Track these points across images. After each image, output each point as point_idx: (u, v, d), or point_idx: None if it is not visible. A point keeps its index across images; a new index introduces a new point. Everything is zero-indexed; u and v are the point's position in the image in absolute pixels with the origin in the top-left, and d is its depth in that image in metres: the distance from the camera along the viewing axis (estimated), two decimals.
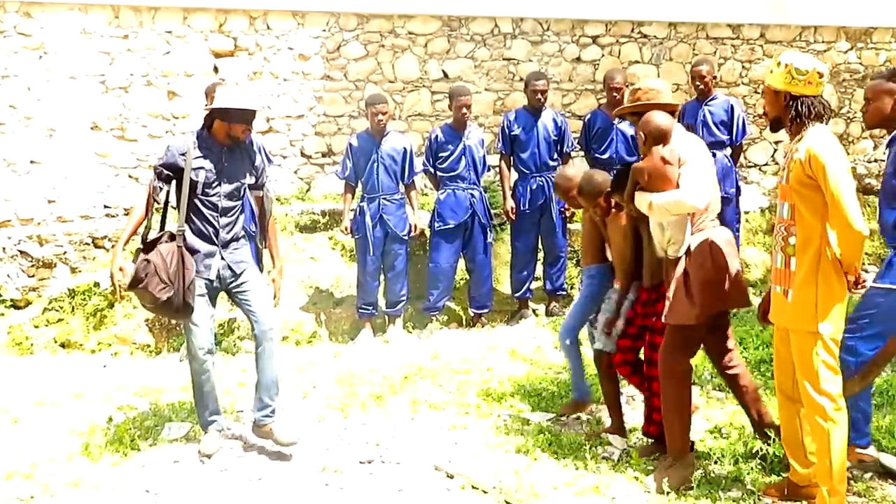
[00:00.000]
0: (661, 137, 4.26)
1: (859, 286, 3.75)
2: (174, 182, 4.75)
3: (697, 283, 4.13)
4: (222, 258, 4.76)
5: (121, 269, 4.52)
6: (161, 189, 4.72)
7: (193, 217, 4.73)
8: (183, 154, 4.69)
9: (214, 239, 4.75)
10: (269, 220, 5.12)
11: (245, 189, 4.88)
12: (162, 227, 4.78)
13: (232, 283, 4.81)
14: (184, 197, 4.69)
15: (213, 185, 4.72)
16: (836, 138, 3.70)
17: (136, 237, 4.79)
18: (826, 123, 3.75)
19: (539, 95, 7.44)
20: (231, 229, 4.81)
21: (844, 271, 3.66)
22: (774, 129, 3.88)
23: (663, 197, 4.11)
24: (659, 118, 4.29)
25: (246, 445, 4.90)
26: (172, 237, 4.71)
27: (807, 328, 3.68)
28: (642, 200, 4.20)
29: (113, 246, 7.85)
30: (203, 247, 4.72)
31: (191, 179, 4.67)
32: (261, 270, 5.21)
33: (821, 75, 3.69)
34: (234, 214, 4.82)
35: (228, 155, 4.77)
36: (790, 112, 3.71)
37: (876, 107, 4.25)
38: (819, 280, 3.65)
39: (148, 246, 4.64)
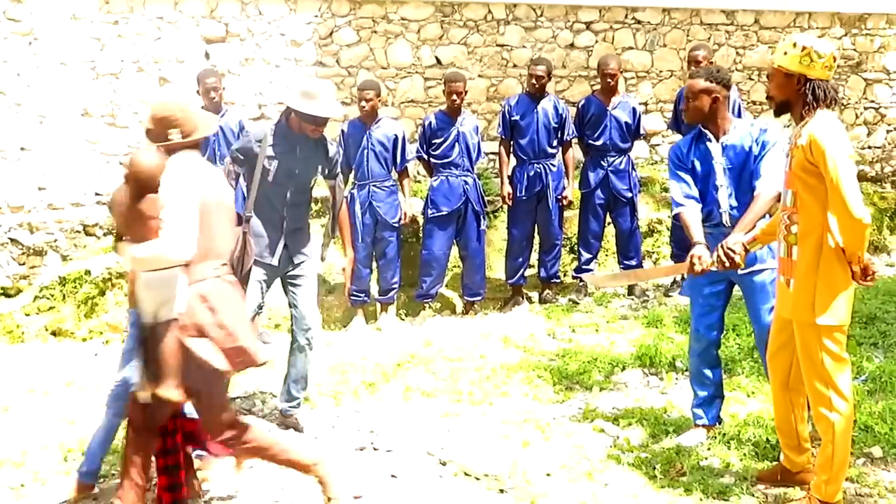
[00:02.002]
0: (149, 184, 3.69)
1: (869, 278, 3.62)
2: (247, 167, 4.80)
3: (195, 348, 3.54)
4: (286, 246, 4.81)
5: None
6: (237, 174, 4.79)
7: (262, 204, 4.76)
8: (259, 141, 4.72)
9: (280, 227, 4.79)
10: (340, 209, 5.13)
11: (314, 181, 4.90)
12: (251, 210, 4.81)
13: (288, 272, 4.87)
14: (255, 184, 4.71)
15: (284, 175, 4.73)
16: (840, 124, 3.63)
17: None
18: (834, 109, 3.68)
19: (534, 80, 7.39)
20: (297, 220, 4.85)
21: (848, 261, 3.57)
22: (779, 114, 3.81)
23: (143, 250, 3.51)
24: (146, 160, 3.74)
25: None
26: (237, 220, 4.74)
27: (807, 320, 3.61)
28: (125, 252, 3.64)
29: (106, 233, 7.86)
30: (268, 234, 4.77)
31: (263, 167, 4.68)
32: (322, 259, 5.31)
33: (835, 60, 3.66)
34: (301, 205, 4.87)
35: (303, 146, 4.77)
36: (806, 96, 3.62)
37: (695, 105, 4.45)
38: (820, 270, 3.58)
39: None
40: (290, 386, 4.94)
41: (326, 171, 4.96)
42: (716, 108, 4.45)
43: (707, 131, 4.52)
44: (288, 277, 4.90)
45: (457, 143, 7.26)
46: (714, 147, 4.49)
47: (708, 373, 4.63)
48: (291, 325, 4.96)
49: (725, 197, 4.47)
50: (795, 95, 3.67)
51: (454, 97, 7.19)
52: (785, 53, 3.66)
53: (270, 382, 5.56)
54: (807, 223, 3.61)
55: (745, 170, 4.41)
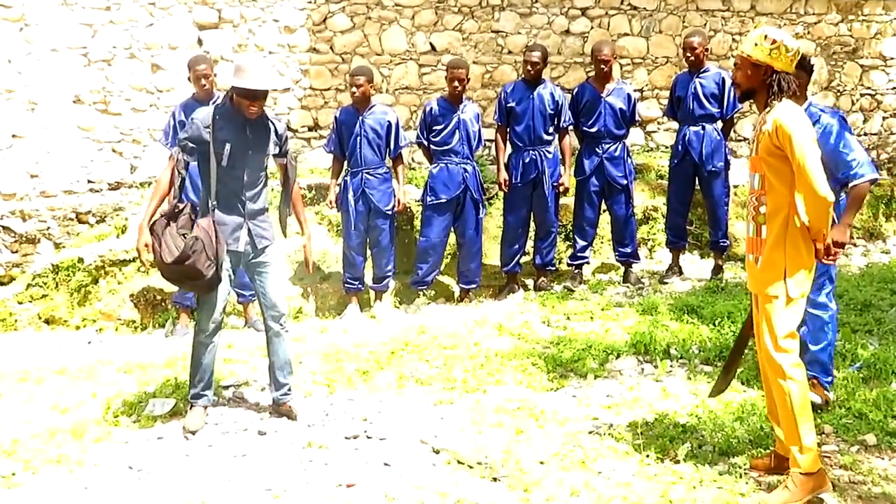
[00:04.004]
0: None
1: (831, 256, 3.92)
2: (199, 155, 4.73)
3: None
4: (249, 230, 4.78)
5: (146, 246, 4.53)
6: (186, 162, 4.73)
7: (219, 190, 4.71)
8: (207, 127, 4.66)
9: (241, 210, 4.76)
10: (294, 187, 5.06)
11: (267, 160, 4.84)
12: (178, 199, 4.76)
13: (252, 258, 4.84)
14: (212, 170, 4.67)
15: (238, 157, 4.69)
16: (802, 111, 3.83)
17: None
18: (793, 100, 3.85)
19: (529, 67, 7.34)
20: (257, 200, 4.81)
21: (813, 238, 3.80)
22: (743, 100, 4.01)
23: None
24: None
25: (231, 422, 4.87)
26: (194, 210, 4.72)
27: (773, 290, 3.81)
28: None
29: (99, 221, 7.83)
30: (231, 220, 4.73)
31: (215, 152, 4.64)
32: (284, 236, 5.28)
33: (798, 54, 3.85)
34: (259, 185, 4.82)
35: (251, 127, 4.73)
36: (772, 86, 3.81)
37: None
38: (787, 244, 3.80)
39: (170, 217, 4.62)
40: (277, 374, 4.91)
41: (277, 150, 4.88)
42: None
43: None
44: (253, 265, 4.86)
45: (457, 131, 7.21)
46: None
47: None
48: (262, 313, 4.92)
49: None
50: (761, 85, 3.86)
51: (456, 84, 7.13)
52: (755, 45, 3.82)
53: (263, 371, 5.54)
54: (774, 203, 3.82)
55: None
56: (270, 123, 4.86)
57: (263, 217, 4.88)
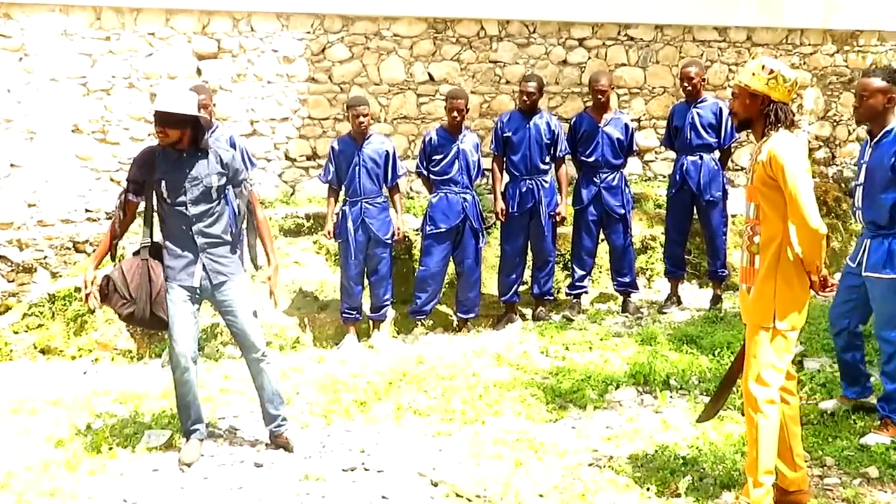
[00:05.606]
0: None
1: (828, 289, 3.87)
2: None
3: None
4: (203, 266, 4.68)
5: (91, 282, 4.57)
6: (134, 201, 4.72)
7: (169, 226, 4.69)
8: (143, 165, 4.66)
9: (192, 246, 4.68)
10: (256, 216, 4.88)
11: (217, 191, 4.71)
12: (151, 236, 4.77)
13: (214, 297, 4.75)
14: (157, 208, 4.67)
15: (178, 192, 4.62)
16: (798, 141, 3.84)
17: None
18: (793, 130, 3.86)
19: (525, 97, 7.37)
20: (207, 235, 4.69)
21: (807, 271, 3.77)
22: (741, 129, 4.03)
23: None
24: None
25: (227, 454, 4.82)
26: (157, 247, 4.72)
27: (763, 322, 3.80)
28: None
29: (96, 250, 7.80)
30: (182, 255, 4.67)
31: (155, 190, 4.64)
32: (256, 267, 5.12)
33: (796, 85, 3.87)
34: (208, 219, 4.69)
35: (189, 160, 4.65)
36: (769, 116, 3.82)
37: (870, 104, 4.66)
38: (778, 276, 3.78)
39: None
40: (267, 407, 4.84)
41: (223, 180, 4.72)
42: (888, 109, 4.68)
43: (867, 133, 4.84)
44: (217, 305, 4.80)
45: (457, 160, 7.23)
46: (868, 147, 4.81)
47: (843, 355, 5.15)
48: (240, 349, 4.87)
49: (860, 195, 4.80)
50: (758, 115, 3.86)
51: (455, 114, 7.16)
52: (753, 74, 3.84)
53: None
54: (769, 233, 3.82)
55: (879, 172, 4.70)
56: (214, 153, 4.72)
57: (223, 250, 4.75)
